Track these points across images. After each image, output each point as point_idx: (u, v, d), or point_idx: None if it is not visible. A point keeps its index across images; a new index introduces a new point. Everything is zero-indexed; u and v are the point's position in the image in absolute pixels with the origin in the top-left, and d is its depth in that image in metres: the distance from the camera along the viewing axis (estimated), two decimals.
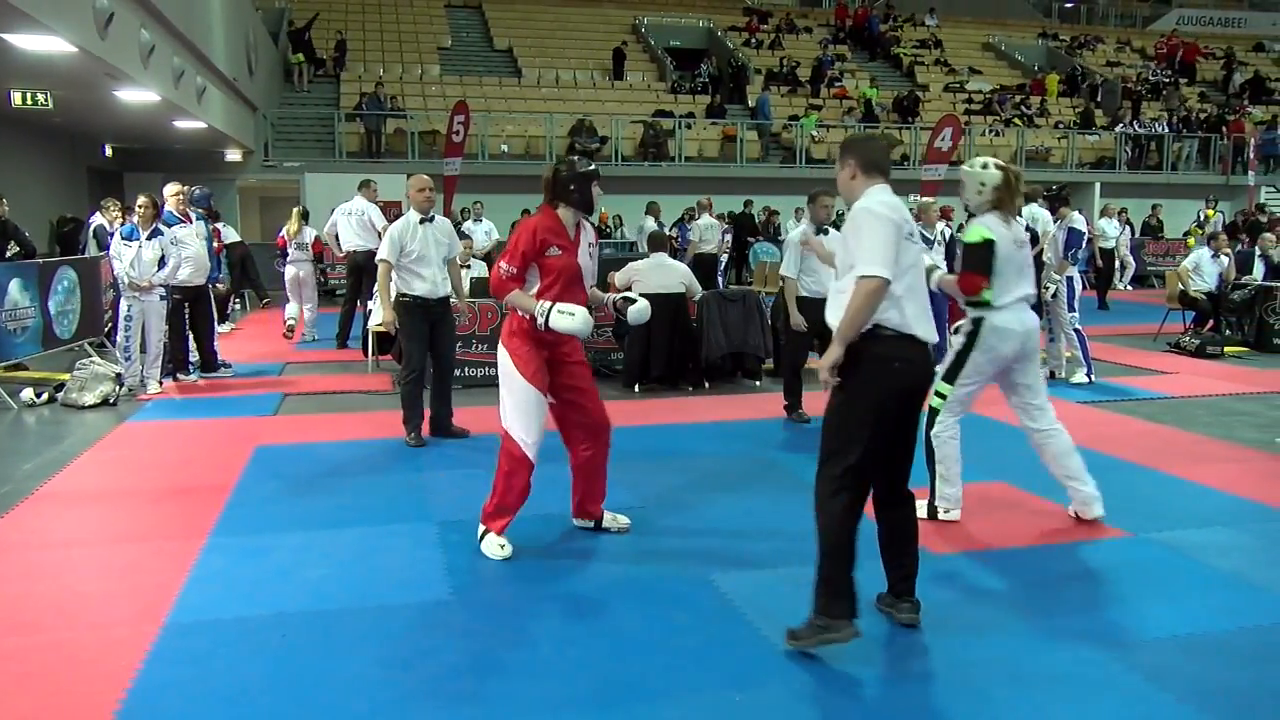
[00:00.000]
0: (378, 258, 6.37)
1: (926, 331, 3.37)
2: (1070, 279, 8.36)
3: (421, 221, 6.28)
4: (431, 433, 6.43)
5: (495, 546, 4.33)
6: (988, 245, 4.42)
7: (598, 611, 3.77)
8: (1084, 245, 8.49)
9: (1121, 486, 5.38)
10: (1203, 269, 10.70)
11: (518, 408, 4.33)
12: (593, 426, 4.50)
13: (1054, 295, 8.36)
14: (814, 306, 6.56)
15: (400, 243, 6.18)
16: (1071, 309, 8.37)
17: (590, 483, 4.60)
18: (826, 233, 6.63)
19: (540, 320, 4.26)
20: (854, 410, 3.31)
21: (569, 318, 4.22)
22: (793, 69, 24.05)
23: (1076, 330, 8.40)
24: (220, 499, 5.08)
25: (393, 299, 6.35)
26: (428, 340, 6.33)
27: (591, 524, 4.68)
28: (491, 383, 8.42)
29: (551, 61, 23.33)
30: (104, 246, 10.10)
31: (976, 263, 4.45)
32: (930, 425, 4.68)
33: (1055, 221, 8.63)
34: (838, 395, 3.35)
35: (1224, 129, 23.52)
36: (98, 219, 10.77)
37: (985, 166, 4.53)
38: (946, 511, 4.77)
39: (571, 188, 4.34)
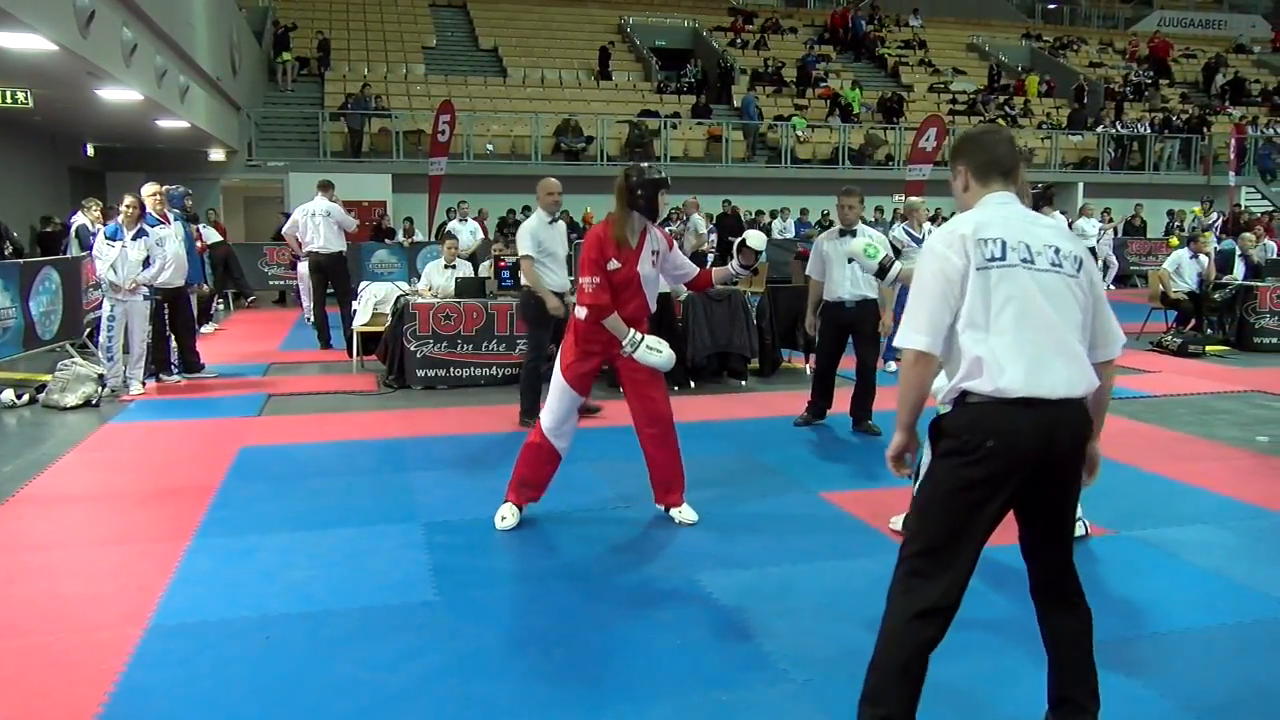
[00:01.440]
0: (520, 254, 6.70)
1: (1046, 383, 2.47)
2: None
3: (551, 222, 6.65)
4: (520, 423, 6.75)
5: (499, 516, 4.67)
6: None
7: (585, 612, 3.77)
8: None
9: (1103, 484, 5.39)
10: (1183, 270, 10.82)
11: (550, 398, 4.64)
12: (655, 418, 4.64)
13: None
14: (834, 309, 6.60)
15: (537, 239, 6.54)
16: None
17: (659, 472, 4.73)
18: (854, 234, 6.41)
19: (628, 349, 4.50)
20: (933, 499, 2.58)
21: (656, 354, 4.47)
22: (778, 69, 24.11)
23: None
24: (204, 500, 5.06)
25: (526, 290, 6.73)
26: (551, 330, 6.67)
27: (664, 510, 4.82)
28: (475, 383, 8.43)
29: (537, 61, 23.31)
30: (86, 246, 10.04)
31: None
32: None
33: None
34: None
35: (1205, 130, 23.72)
36: (79, 219, 10.70)
37: None
38: None
39: (640, 193, 4.45)
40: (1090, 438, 2.62)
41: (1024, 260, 2.52)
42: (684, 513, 4.77)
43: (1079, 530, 4.39)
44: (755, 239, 4.61)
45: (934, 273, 2.54)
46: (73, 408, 7.33)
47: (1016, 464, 2.47)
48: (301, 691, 3.12)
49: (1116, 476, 5.60)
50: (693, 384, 8.05)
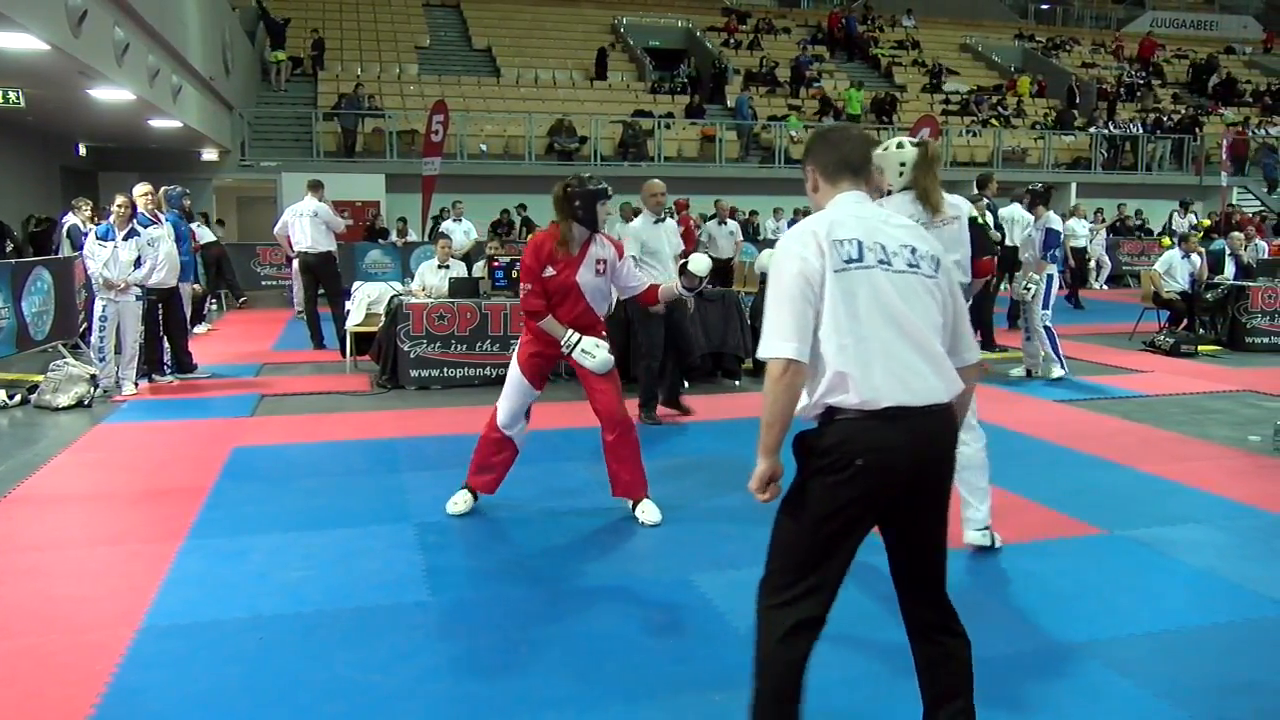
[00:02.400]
0: (626, 253, 6.67)
1: (916, 390, 2.35)
2: (1049, 277, 8.50)
3: (656, 222, 6.91)
4: (663, 403, 7.11)
5: (451, 501, 4.87)
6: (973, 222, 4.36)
7: (577, 612, 3.76)
8: (1060, 245, 8.63)
9: (1096, 484, 5.44)
10: (1174, 270, 10.84)
11: (505, 388, 4.81)
12: (605, 417, 4.74)
13: (1032, 295, 8.46)
14: None
15: (640, 240, 6.79)
16: (1045, 307, 8.51)
17: (615, 467, 4.80)
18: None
19: (565, 349, 4.65)
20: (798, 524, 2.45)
21: (589, 357, 4.60)
22: (771, 69, 24.14)
23: (1047, 327, 8.54)
24: (197, 501, 5.04)
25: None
26: (662, 328, 6.89)
27: (630, 504, 4.87)
28: (469, 383, 8.42)
29: (530, 61, 23.29)
30: (78, 246, 10.00)
31: (986, 244, 4.47)
32: None
33: (1033, 220, 8.74)
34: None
35: (1197, 130, 23.81)
36: (70, 219, 10.65)
37: (901, 146, 4.25)
38: None
39: (577, 204, 4.57)
40: (956, 444, 2.50)
41: (881, 261, 2.39)
42: (646, 510, 4.79)
43: (988, 541, 4.32)
44: (696, 264, 4.65)
45: (794, 274, 2.36)
46: (65, 408, 7.30)
47: (889, 480, 2.35)
48: (294, 692, 3.11)
49: (1109, 476, 5.62)
50: (686, 384, 8.04)
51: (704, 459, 5.98)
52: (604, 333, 4.79)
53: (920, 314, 2.39)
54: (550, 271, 4.59)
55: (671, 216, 13.34)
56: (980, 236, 4.27)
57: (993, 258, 4.28)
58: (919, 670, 2.57)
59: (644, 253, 6.78)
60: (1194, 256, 10.92)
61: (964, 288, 4.76)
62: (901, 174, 4.22)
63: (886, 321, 2.35)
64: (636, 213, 7.41)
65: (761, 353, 2.39)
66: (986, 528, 4.34)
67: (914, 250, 2.44)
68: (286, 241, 10.44)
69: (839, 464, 2.33)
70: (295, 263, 11.13)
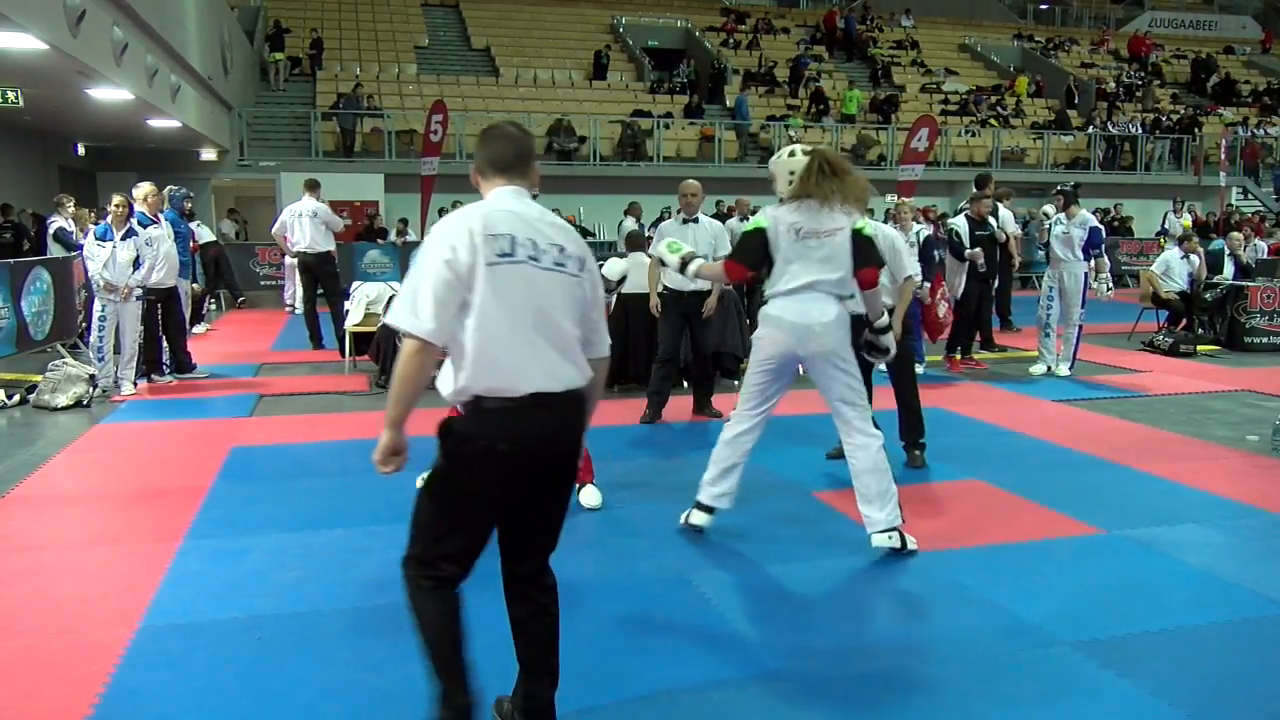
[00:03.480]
0: (650, 253, 6.96)
1: (559, 378, 2.54)
2: (1085, 275, 8.56)
3: (685, 221, 6.90)
4: (694, 413, 7.18)
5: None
6: (755, 234, 4.21)
7: (575, 611, 3.75)
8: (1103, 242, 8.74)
9: (1094, 484, 5.44)
10: (1172, 270, 10.83)
11: None
12: None
13: (1108, 290, 8.70)
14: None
15: (664, 240, 6.72)
16: (1082, 304, 8.63)
17: None
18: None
19: None
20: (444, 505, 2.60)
21: None
22: (770, 69, 24.14)
23: (1079, 326, 8.68)
24: (195, 501, 5.04)
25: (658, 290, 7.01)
26: (680, 329, 6.97)
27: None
28: None
29: (529, 61, 23.28)
30: (69, 247, 9.98)
31: (740, 251, 4.36)
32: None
33: (1066, 218, 8.71)
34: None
35: (1195, 130, 23.83)
36: (57, 221, 10.58)
37: (793, 154, 4.27)
38: (693, 515, 4.53)
39: None
40: (586, 428, 2.71)
41: (531, 257, 2.53)
42: (588, 494, 5.00)
43: (895, 543, 4.21)
44: (610, 269, 4.93)
45: (443, 263, 2.47)
46: (63, 408, 7.30)
47: (529, 462, 2.53)
48: (293, 692, 3.11)
49: (1108, 476, 5.63)
50: (685, 383, 8.03)
51: (703, 459, 5.96)
52: None
53: (562, 308, 2.58)
54: None
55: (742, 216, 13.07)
56: (865, 248, 4.20)
57: (876, 268, 4.29)
58: (515, 631, 2.78)
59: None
60: (1192, 257, 10.92)
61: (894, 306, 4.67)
62: (790, 182, 4.22)
63: (532, 314, 2.52)
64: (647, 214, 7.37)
65: (395, 320, 2.50)
66: (894, 529, 4.24)
67: (562, 249, 2.60)
68: (284, 241, 10.44)
69: (483, 449, 2.49)
70: (290, 262, 11.13)
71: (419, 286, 2.47)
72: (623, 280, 5.12)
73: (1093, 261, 8.63)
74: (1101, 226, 8.89)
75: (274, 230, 10.80)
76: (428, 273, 2.47)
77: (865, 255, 4.19)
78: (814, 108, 22.46)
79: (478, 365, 2.48)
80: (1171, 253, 11.07)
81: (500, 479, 2.53)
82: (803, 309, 4.14)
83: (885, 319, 4.58)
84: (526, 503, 2.63)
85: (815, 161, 4.16)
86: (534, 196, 2.71)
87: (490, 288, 2.48)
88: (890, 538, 4.24)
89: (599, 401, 2.81)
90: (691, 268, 4.47)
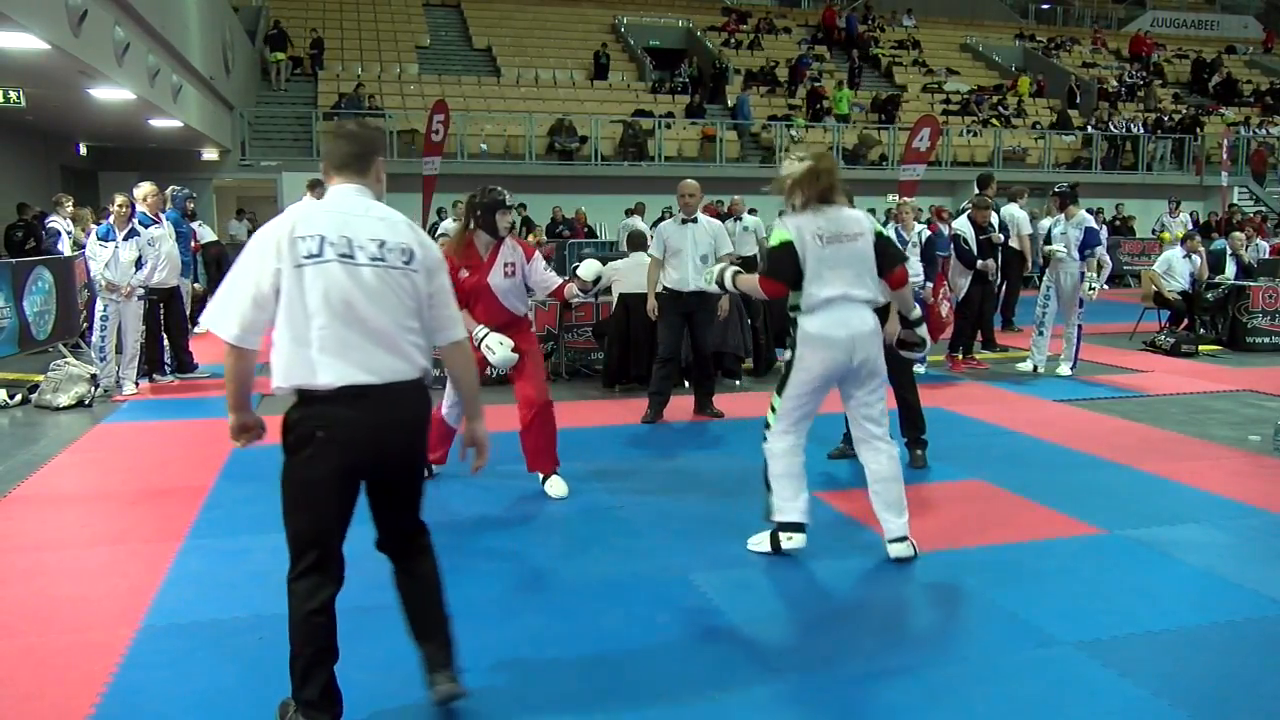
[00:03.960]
0: (650, 253, 7.03)
1: (373, 369, 2.66)
2: (1082, 275, 8.56)
3: (684, 221, 6.92)
4: (695, 413, 7.16)
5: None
6: (784, 248, 4.05)
7: (577, 611, 3.76)
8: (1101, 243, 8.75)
9: (1096, 483, 5.44)
10: (1174, 269, 10.81)
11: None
12: (523, 398, 5.14)
13: (1096, 292, 8.57)
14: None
15: (662, 240, 6.93)
16: (1081, 304, 8.63)
17: (529, 444, 5.19)
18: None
19: (475, 342, 4.86)
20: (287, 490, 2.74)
21: (490, 352, 4.88)
22: (771, 69, 24.14)
23: (1079, 326, 8.66)
24: (197, 501, 5.04)
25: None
26: (680, 329, 6.99)
27: (540, 477, 5.25)
28: (491, 382, 8.41)
29: (531, 61, 23.29)
30: (56, 249, 9.95)
31: (774, 268, 4.13)
32: (764, 439, 4.33)
33: (1064, 219, 8.73)
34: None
35: (1197, 130, 23.82)
36: (55, 222, 10.54)
37: (793, 163, 4.23)
38: (789, 539, 4.27)
39: (478, 213, 5.03)
40: (427, 417, 2.84)
41: (343, 255, 2.64)
42: (552, 484, 5.18)
43: (909, 552, 4.19)
44: (585, 269, 5.12)
45: (251, 269, 2.67)
46: (65, 408, 7.30)
47: (355, 451, 2.65)
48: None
49: (1109, 476, 5.62)
50: (686, 384, 8.04)
51: (704, 458, 5.98)
52: (528, 329, 5.25)
53: (380, 302, 2.66)
54: (464, 274, 4.96)
55: (736, 218, 13.03)
56: (890, 250, 4.18)
57: (904, 267, 4.26)
58: (400, 600, 2.98)
59: (668, 253, 6.87)
60: (1194, 256, 10.91)
61: (912, 298, 4.62)
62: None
63: (342, 310, 2.63)
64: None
65: (205, 322, 2.73)
66: (904, 538, 4.22)
67: (383, 244, 2.70)
68: None
69: (306, 440, 2.65)
70: None
71: (229, 292, 2.68)
72: (598, 280, 5.21)
73: (1087, 261, 8.62)
74: (1098, 227, 8.90)
75: None
76: (237, 278, 2.68)
77: (891, 256, 4.20)
78: (809, 109, 22.43)
79: (288, 361, 2.66)
80: (1173, 252, 11.06)
81: (326, 466, 2.65)
82: (845, 319, 4.03)
83: (918, 310, 4.57)
84: (377, 485, 2.78)
85: (820, 168, 4.14)
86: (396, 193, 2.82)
87: (296, 289, 2.62)
88: (907, 547, 4.23)
89: (473, 387, 2.97)
90: (727, 277, 4.40)
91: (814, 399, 4.20)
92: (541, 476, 5.25)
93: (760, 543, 4.35)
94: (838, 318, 4.02)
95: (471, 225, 5.08)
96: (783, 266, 4.07)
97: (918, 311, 4.54)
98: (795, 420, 4.22)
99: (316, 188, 10.36)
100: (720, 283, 4.50)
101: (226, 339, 2.68)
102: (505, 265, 5.06)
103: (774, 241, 4.13)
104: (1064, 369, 8.74)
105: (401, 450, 2.77)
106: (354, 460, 2.67)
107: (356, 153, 2.81)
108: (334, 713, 2.75)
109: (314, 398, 2.65)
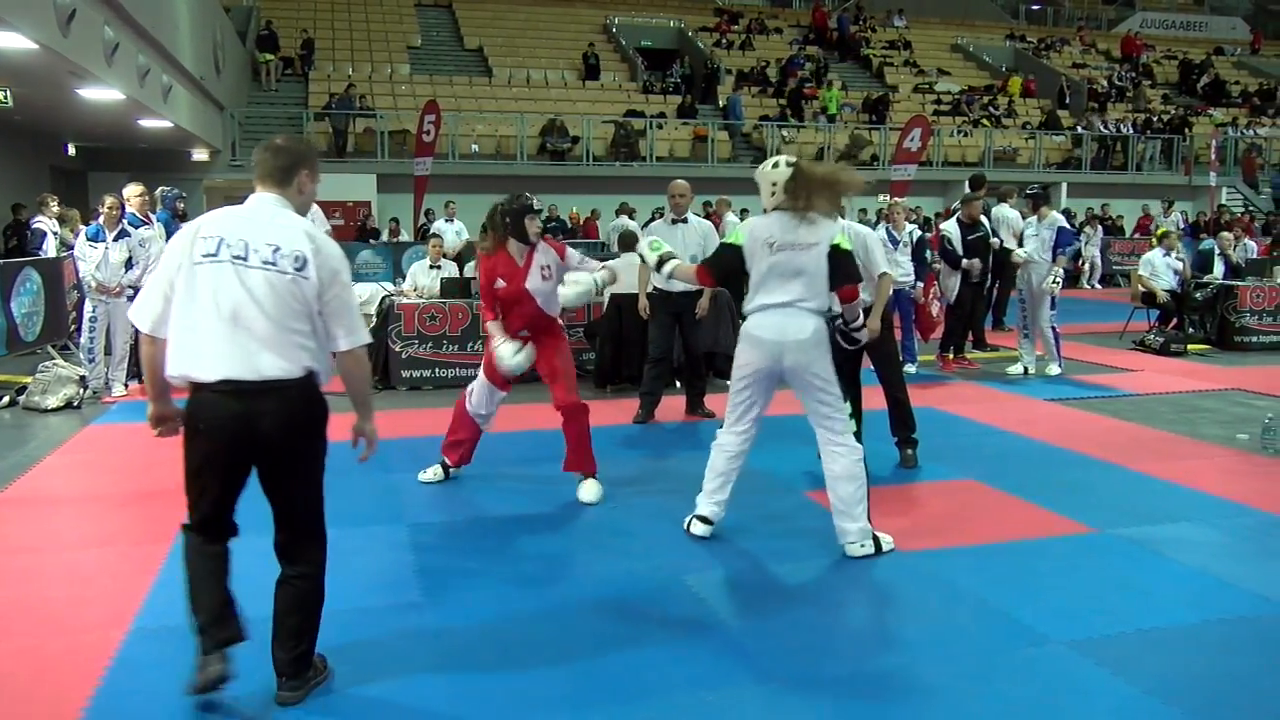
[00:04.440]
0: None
1: (250, 369, 2.80)
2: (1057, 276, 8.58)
3: (674, 222, 6.96)
4: (686, 414, 7.17)
5: (431, 471, 5.39)
6: (730, 248, 4.33)
7: (570, 612, 3.76)
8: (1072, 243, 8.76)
9: (1087, 482, 5.46)
10: (1158, 269, 10.77)
11: (477, 380, 5.34)
12: (557, 404, 5.16)
13: (1059, 289, 8.53)
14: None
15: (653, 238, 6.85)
16: (1052, 306, 8.60)
17: (569, 450, 5.20)
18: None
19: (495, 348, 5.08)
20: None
21: (502, 361, 5.01)
22: (763, 69, 24.16)
23: (1053, 328, 8.66)
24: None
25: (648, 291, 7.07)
26: (671, 329, 7.01)
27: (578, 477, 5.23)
28: (460, 384, 8.39)
29: (522, 61, 23.27)
30: (40, 249, 9.90)
31: (713, 261, 4.56)
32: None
33: (1036, 220, 8.77)
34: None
35: (1186, 131, 23.91)
36: (40, 223, 10.46)
37: (776, 166, 4.30)
38: (696, 526, 4.53)
39: (507, 220, 5.04)
40: (311, 416, 2.96)
41: (237, 257, 2.81)
42: (584, 488, 5.14)
43: (868, 550, 4.25)
44: (563, 295, 5.05)
45: (164, 266, 2.93)
46: (54, 410, 7.27)
47: (226, 443, 2.83)
48: None
49: (1100, 475, 5.64)
50: (678, 384, 8.05)
51: (695, 459, 5.96)
52: (560, 331, 5.29)
53: (267, 303, 2.81)
54: (501, 284, 5.04)
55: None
56: (845, 265, 4.24)
57: (855, 285, 4.37)
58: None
59: None
60: (1174, 254, 10.91)
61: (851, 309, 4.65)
62: (773, 194, 4.25)
63: (230, 308, 2.79)
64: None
65: (130, 313, 3.03)
66: (866, 539, 4.27)
67: (276, 249, 2.84)
68: None
69: (191, 427, 2.87)
70: None
71: (149, 285, 2.95)
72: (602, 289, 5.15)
73: (1058, 259, 8.64)
74: (1070, 228, 8.92)
75: None
76: (157, 273, 2.94)
77: (845, 273, 4.24)
78: (791, 105, 22.40)
79: (176, 352, 2.84)
80: (1152, 253, 11.03)
81: (205, 451, 2.86)
82: (780, 324, 4.19)
83: (860, 320, 4.70)
84: (264, 478, 2.96)
85: (804, 173, 4.21)
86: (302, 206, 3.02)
87: (190, 284, 2.83)
88: (863, 546, 4.27)
89: (362, 394, 3.15)
90: (667, 268, 4.54)
91: (752, 399, 4.39)
92: (580, 478, 5.21)
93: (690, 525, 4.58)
94: (772, 322, 4.21)
95: (502, 234, 5.06)
96: (722, 263, 4.46)
97: (860, 320, 4.72)
98: (737, 419, 4.44)
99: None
100: (659, 271, 4.63)
101: (141, 329, 2.92)
102: (541, 269, 5.08)
103: (728, 238, 4.41)
104: (1053, 369, 8.74)
105: (275, 447, 2.88)
106: (230, 452, 2.86)
107: (281, 165, 2.98)
108: (224, 635, 2.93)
109: (199, 389, 2.82)
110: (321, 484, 3.07)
